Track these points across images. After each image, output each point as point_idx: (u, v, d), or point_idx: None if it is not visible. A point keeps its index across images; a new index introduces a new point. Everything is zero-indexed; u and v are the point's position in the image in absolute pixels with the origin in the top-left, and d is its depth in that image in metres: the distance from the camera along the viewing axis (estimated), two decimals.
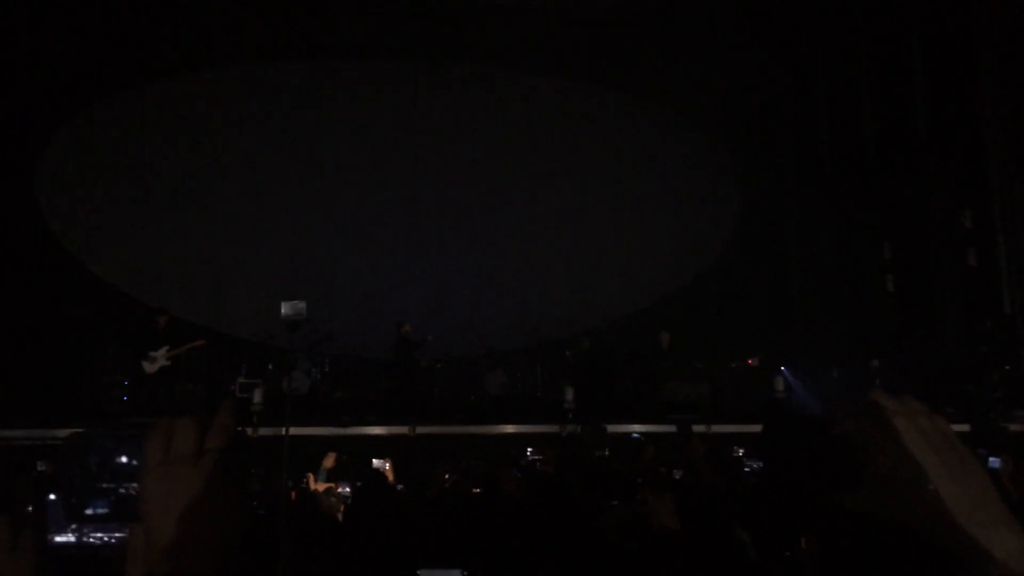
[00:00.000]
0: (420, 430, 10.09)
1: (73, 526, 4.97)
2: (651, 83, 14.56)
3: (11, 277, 12.32)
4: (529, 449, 8.48)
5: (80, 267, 13.82)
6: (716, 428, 10.45)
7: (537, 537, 3.17)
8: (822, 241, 14.60)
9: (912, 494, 0.86)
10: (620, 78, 14.75)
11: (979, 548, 0.82)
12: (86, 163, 13.99)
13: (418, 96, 14.91)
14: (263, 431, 9.19)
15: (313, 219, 14.51)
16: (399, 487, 6.12)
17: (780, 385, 11.46)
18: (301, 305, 5.77)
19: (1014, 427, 9.83)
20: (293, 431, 9.27)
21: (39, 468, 7.79)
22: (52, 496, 5.22)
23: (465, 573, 2.99)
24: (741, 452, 9.25)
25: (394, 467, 6.94)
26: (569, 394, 10.91)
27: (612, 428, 10.07)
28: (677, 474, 7.07)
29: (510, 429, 10.56)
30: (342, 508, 5.77)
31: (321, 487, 6.36)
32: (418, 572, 2.93)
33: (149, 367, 10.77)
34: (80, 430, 8.26)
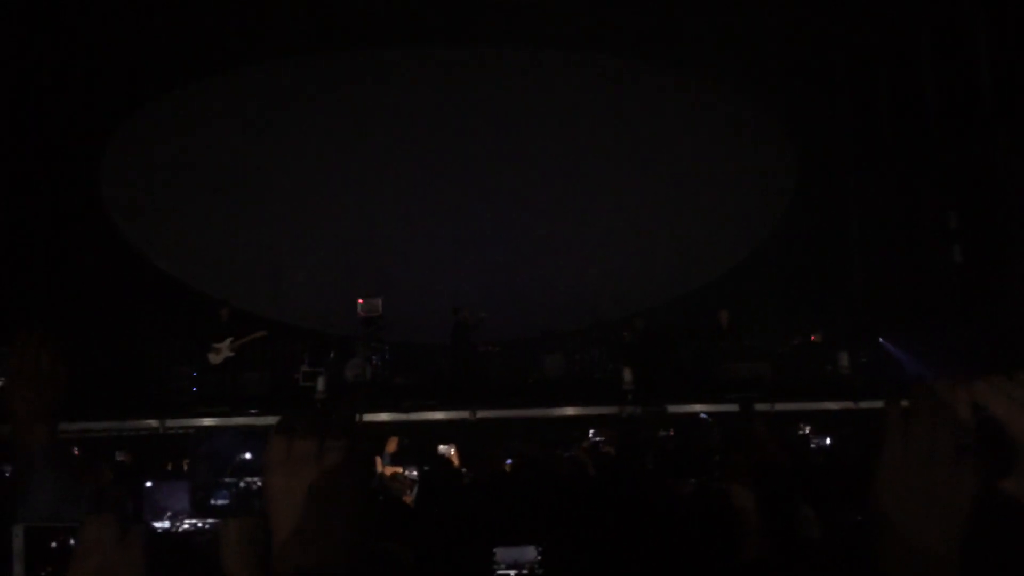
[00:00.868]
0: (480, 414, 10.17)
1: (169, 514, 5.16)
2: (705, 59, 14.30)
3: (78, 272, 12.72)
4: (591, 431, 8.48)
5: (145, 261, 14.19)
6: (780, 406, 10.32)
7: (607, 514, 3.19)
8: (884, 212, 14.24)
9: None
10: (674, 55, 14.52)
11: None
12: (149, 158, 14.34)
13: (470, 81, 14.91)
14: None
15: (369, 207, 14.65)
16: (464, 471, 6.19)
17: (844, 361, 11.26)
18: (377, 301, 5.86)
19: None
20: (359, 418, 9.44)
21: (118, 458, 8.08)
22: (148, 483, 5.44)
23: (540, 549, 3.02)
24: (807, 429, 9.14)
25: (459, 452, 7.02)
26: (627, 375, 10.87)
27: (672, 408, 10.03)
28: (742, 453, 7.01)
29: (570, 411, 10.58)
30: (408, 492, 5.87)
31: (388, 471, 6.47)
32: (494, 550, 2.97)
33: (215, 358, 11.06)
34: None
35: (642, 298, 14.35)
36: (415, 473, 6.17)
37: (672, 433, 7.29)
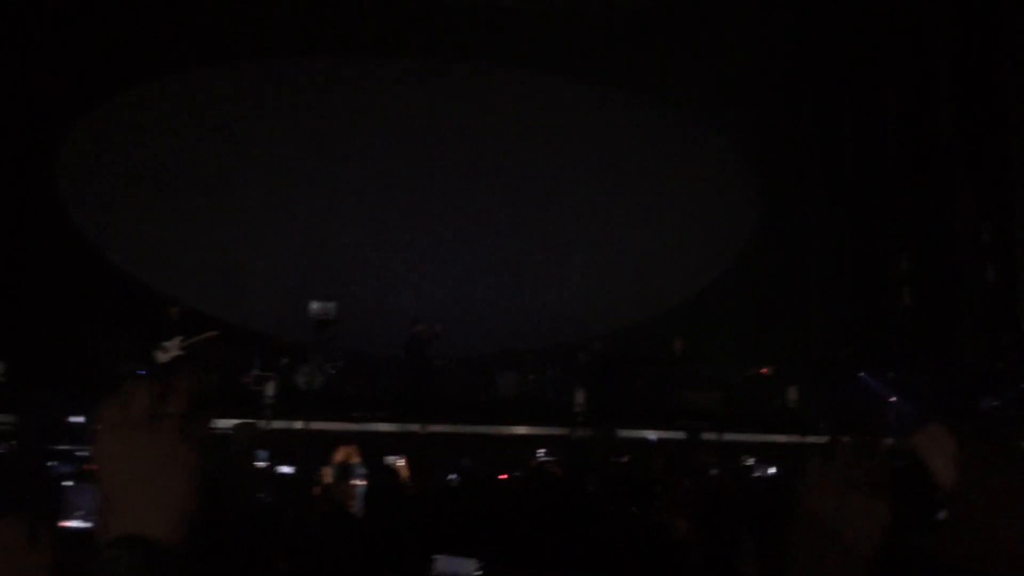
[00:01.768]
0: (431, 428, 10.10)
1: (81, 512, 4.95)
2: (671, 87, 14.52)
3: (31, 267, 12.43)
4: (540, 450, 8.47)
5: (99, 256, 13.91)
6: (728, 436, 10.43)
7: (550, 534, 3.18)
8: (842, 251, 14.53)
9: (990, 539, 0.88)
10: (641, 82, 14.73)
11: None
12: (107, 153, 14.09)
13: (439, 95, 14.93)
14: (275, 424, 9.24)
15: (329, 214, 14.56)
16: (411, 484, 6.14)
17: (793, 395, 11.41)
18: (331, 305, 5.80)
19: None
20: (304, 425, 9.32)
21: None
22: (70, 483, 5.23)
23: (481, 563, 3.00)
24: (751, 461, 9.23)
25: (409, 464, 6.96)
26: (580, 397, 10.90)
27: (623, 433, 10.06)
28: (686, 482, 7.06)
29: (521, 430, 10.56)
30: (353, 501, 5.80)
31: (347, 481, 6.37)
32: (434, 557, 2.95)
33: (162, 356, 10.84)
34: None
35: (600, 322, 14.43)
36: (361, 483, 6.09)
37: (627, 459, 7.31)
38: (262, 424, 8.87)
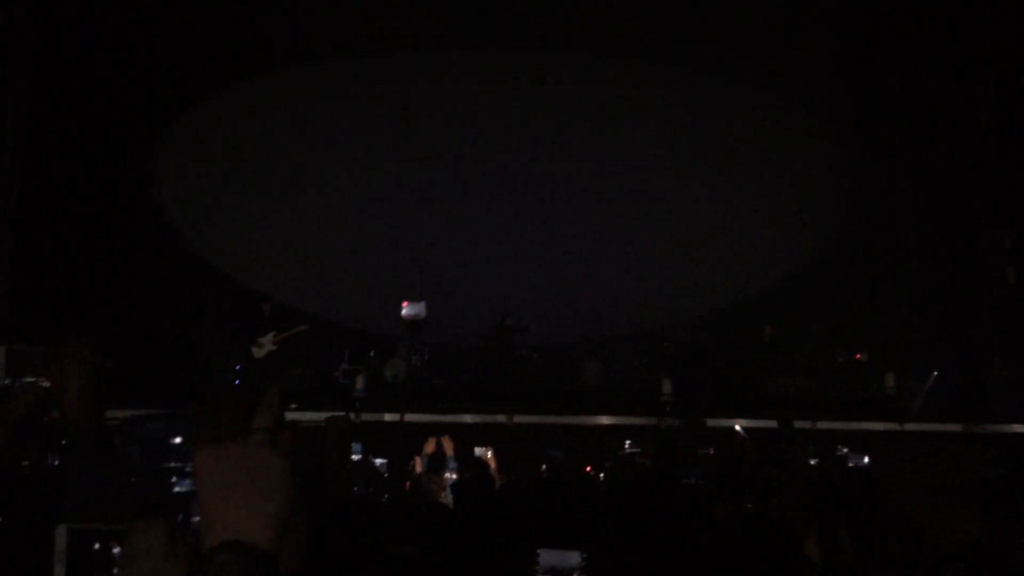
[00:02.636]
0: (517, 419, 10.16)
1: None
2: (757, 68, 14.15)
3: (132, 263, 12.99)
4: (627, 441, 8.43)
5: (197, 255, 14.45)
6: (820, 425, 10.16)
7: (650, 526, 3.16)
8: (937, 231, 13.94)
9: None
10: (726, 64, 14.40)
11: None
12: (202, 154, 14.61)
13: (519, 86, 14.94)
14: (365, 417, 9.45)
15: (414, 209, 14.75)
16: (501, 476, 6.19)
17: (891, 381, 11.03)
18: (421, 305, 5.89)
19: None
20: (392, 417, 9.50)
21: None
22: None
23: (584, 555, 3.02)
24: (845, 451, 8.98)
25: (496, 455, 7.02)
26: (667, 386, 10.79)
27: (712, 422, 9.91)
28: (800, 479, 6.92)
29: (606, 420, 10.52)
30: (444, 493, 5.89)
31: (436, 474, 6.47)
32: (538, 551, 2.98)
33: (258, 352, 11.22)
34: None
35: (686, 308, 14.22)
36: (452, 476, 6.18)
37: (712, 452, 7.20)
38: (353, 417, 9.09)
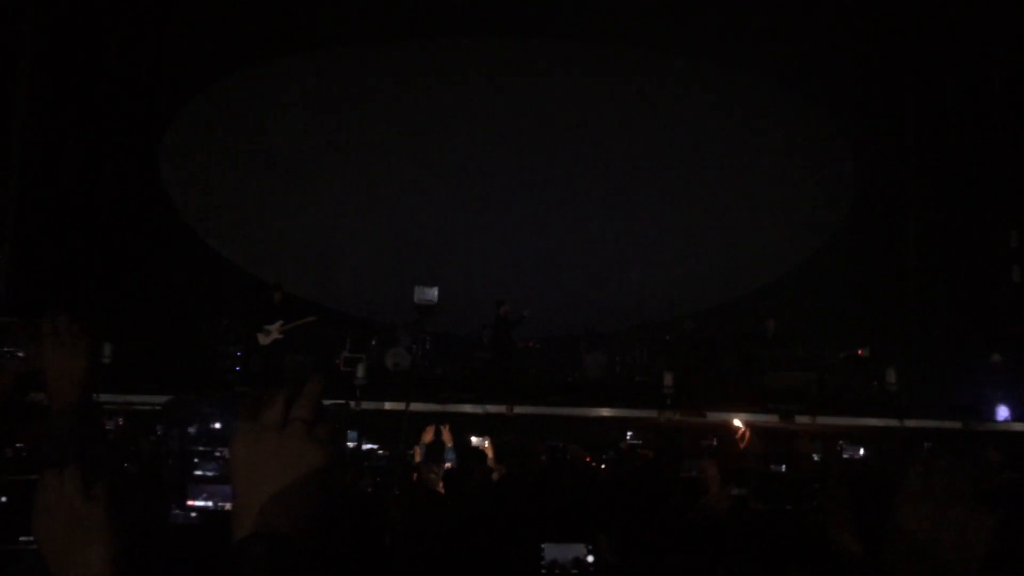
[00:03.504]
0: (518, 410, 10.15)
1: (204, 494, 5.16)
2: (764, 62, 14.08)
3: (136, 250, 13.00)
4: (629, 433, 8.41)
5: (199, 240, 14.45)
6: (822, 420, 10.14)
7: (659, 519, 3.15)
8: (942, 227, 13.87)
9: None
10: (733, 57, 14.32)
11: None
12: (208, 139, 14.59)
13: (528, 75, 14.87)
14: (365, 405, 9.44)
15: (419, 198, 14.73)
16: (498, 466, 6.18)
17: (892, 378, 10.99)
18: (433, 291, 5.87)
19: None
20: (392, 406, 9.49)
21: (158, 432, 8.22)
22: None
23: (589, 547, 3.00)
24: (841, 443, 8.98)
25: (493, 445, 7.00)
26: (668, 379, 10.76)
27: (712, 415, 9.90)
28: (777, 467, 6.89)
29: (607, 412, 10.51)
30: (441, 483, 5.88)
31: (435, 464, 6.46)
32: (543, 546, 2.96)
33: (264, 339, 11.24)
34: (176, 396, 8.62)
35: (690, 302, 14.20)
36: (451, 466, 6.17)
37: (715, 443, 7.18)
38: (353, 405, 9.09)
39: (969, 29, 13.22)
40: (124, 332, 10.24)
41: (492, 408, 10.02)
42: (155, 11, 13.14)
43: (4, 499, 2.46)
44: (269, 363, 11.13)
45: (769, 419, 9.88)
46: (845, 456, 7.10)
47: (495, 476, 5.89)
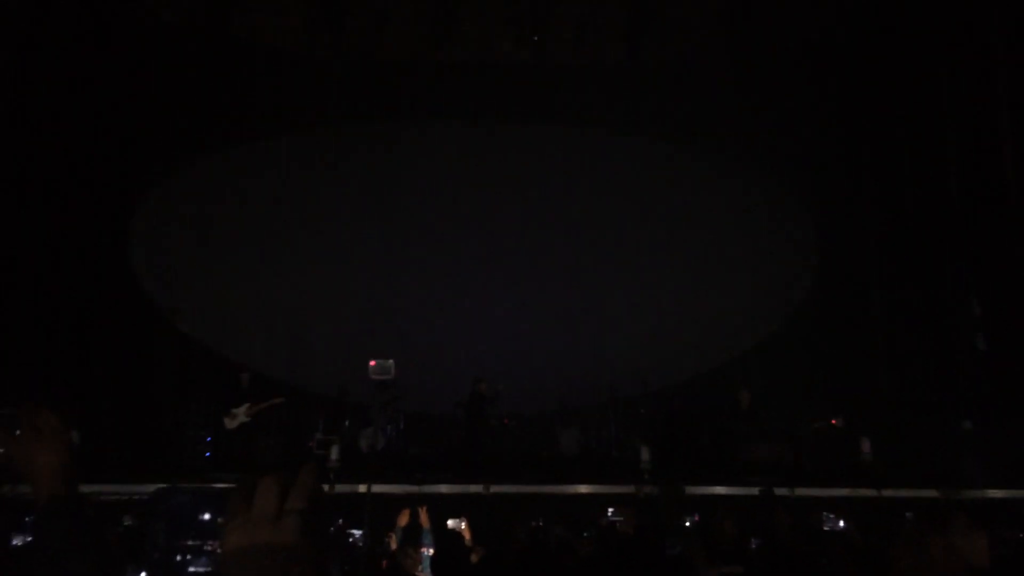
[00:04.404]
0: (494, 489, 10.00)
1: None
2: (726, 137, 14.52)
3: (100, 333, 12.81)
4: (610, 509, 8.31)
5: (167, 325, 14.29)
6: (800, 491, 10.10)
7: None
8: (908, 297, 14.15)
9: None
10: (694, 132, 14.77)
11: None
12: (177, 221, 14.58)
13: (492, 155, 15.15)
14: (339, 488, 9.25)
15: (389, 276, 14.75)
16: (476, 547, 6.06)
17: (866, 447, 11.03)
18: (389, 364, 5.84)
19: None
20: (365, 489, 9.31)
21: (125, 523, 7.97)
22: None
23: None
24: (825, 515, 8.95)
25: (470, 527, 6.88)
26: (645, 453, 10.71)
27: (690, 489, 9.82)
28: (755, 542, 6.84)
29: (585, 489, 10.39)
30: (419, 568, 5.74)
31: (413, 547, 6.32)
32: None
33: (230, 423, 11.03)
34: (164, 486, 8.42)
35: (661, 376, 14.23)
36: (428, 550, 6.04)
37: (697, 518, 7.11)
38: (327, 488, 8.90)
39: (927, 96, 13.77)
40: (90, 418, 10.02)
41: (469, 488, 9.87)
42: (125, 93, 13.28)
43: None
44: (237, 447, 10.90)
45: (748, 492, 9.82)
46: (826, 528, 7.06)
47: (473, 558, 5.78)
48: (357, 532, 6.72)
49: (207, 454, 11.30)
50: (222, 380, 11.75)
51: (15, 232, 11.74)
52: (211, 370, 13.20)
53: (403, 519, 7.62)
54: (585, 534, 6.89)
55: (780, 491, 9.70)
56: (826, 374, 13.74)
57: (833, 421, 12.26)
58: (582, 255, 15.05)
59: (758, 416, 11.81)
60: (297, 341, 14.38)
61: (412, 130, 15.19)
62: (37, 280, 12.06)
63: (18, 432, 1.55)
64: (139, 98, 13.34)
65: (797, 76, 14.04)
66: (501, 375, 12.23)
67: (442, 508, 8.36)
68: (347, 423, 12.16)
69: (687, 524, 7.32)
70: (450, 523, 7.53)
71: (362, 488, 9.32)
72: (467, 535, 6.78)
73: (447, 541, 5.93)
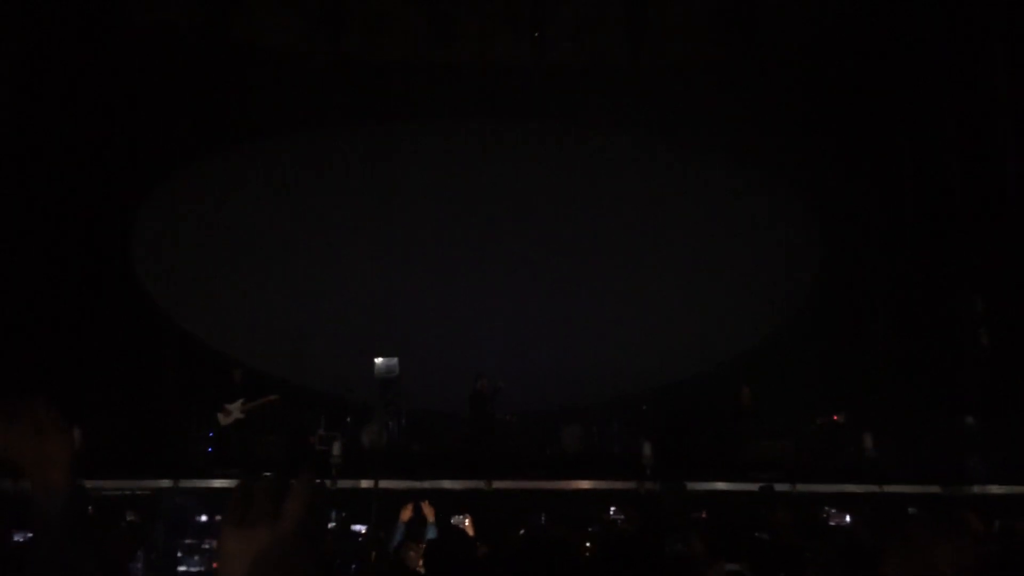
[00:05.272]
0: (496, 485, 10.01)
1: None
2: (729, 137, 14.49)
3: (101, 330, 12.82)
4: (612, 508, 8.31)
5: (171, 322, 14.30)
6: (801, 487, 10.11)
7: None
8: (910, 293, 14.13)
9: None
10: (698, 132, 14.73)
11: None
12: (179, 220, 14.60)
13: (495, 153, 15.13)
14: (342, 483, 9.26)
15: (391, 275, 14.74)
16: (478, 543, 6.05)
17: (869, 442, 11.02)
18: (393, 362, 5.84)
19: None
20: (369, 484, 9.32)
21: (128, 518, 7.99)
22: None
23: None
24: (832, 511, 8.95)
25: (473, 522, 6.87)
26: (647, 450, 10.71)
27: (692, 486, 9.82)
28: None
29: (587, 485, 10.40)
30: (421, 562, 5.73)
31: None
32: None
33: (224, 419, 11.03)
34: (165, 486, 8.44)
35: (664, 372, 14.22)
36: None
37: (704, 515, 7.10)
38: (329, 484, 8.92)
39: (929, 95, 13.76)
40: (92, 415, 10.02)
41: (471, 484, 9.88)
42: (124, 93, 13.28)
43: None
44: (240, 445, 10.90)
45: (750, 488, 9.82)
46: (831, 524, 7.05)
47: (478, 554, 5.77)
48: (360, 527, 6.72)
49: (209, 450, 11.31)
50: (215, 376, 11.75)
51: (16, 232, 11.74)
52: (208, 367, 13.21)
53: (406, 514, 7.63)
54: (590, 529, 6.89)
55: (781, 487, 9.71)
56: (828, 370, 13.72)
57: (836, 417, 12.25)
58: (584, 254, 15.02)
59: (760, 413, 11.81)
60: (299, 339, 14.38)
61: (412, 130, 15.17)
62: (39, 279, 12.07)
63: (19, 426, 1.53)
64: (140, 99, 13.34)
65: (798, 76, 14.01)
66: (503, 374, 12.24)
67: (445, 504, 8.36)
68: (349, 419, 12.17)
69: (691, 519, 7.31)
70: (453, 520, 7.52)
71: (364, 484, 9.34)
72: (471, 531, 6.77)
73: (450, 536, 5.92)
